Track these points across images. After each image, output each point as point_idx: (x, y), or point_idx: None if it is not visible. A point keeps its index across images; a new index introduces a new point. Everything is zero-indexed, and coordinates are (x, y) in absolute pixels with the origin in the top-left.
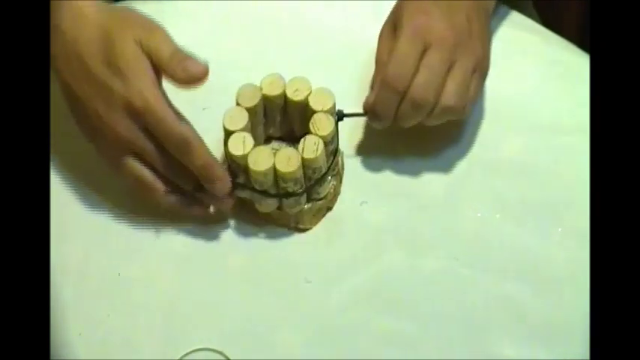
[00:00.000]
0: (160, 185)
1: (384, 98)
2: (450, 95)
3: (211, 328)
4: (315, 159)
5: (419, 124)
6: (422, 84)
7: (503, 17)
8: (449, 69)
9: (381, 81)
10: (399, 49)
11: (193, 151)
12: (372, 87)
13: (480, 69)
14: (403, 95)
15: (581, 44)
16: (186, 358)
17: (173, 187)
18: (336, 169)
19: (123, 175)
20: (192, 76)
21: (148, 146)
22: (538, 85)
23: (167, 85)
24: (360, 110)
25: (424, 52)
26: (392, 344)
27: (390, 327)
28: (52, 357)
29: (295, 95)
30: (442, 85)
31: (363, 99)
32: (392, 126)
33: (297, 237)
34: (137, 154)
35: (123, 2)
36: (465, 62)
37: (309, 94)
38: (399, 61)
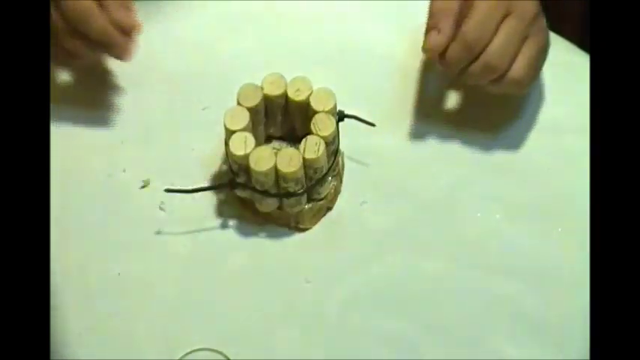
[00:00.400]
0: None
1: (458, 54)
2: (519, 68)
3: (211, 328)
4: (317, 159)
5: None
6: (498, 50)
7: None
8: (523, 41)
9: (459, 38)
10: (481, 7)
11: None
12: (429, 27)
13: (547, 49)
14: (477, 56)
15: (581, 44)
16: (186, 358)
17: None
18: (337, 170)
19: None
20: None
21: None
22: (538, 85)
23: (167, 84)
24: (360, 111)
25: (504, 17)
26: (392, 344)
27: (389, 327)
28: (52, 357)
29: (296, 95)
30: (516, 55)
31: (363, 99)
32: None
33: (297, 237)
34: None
35: None
36: (538, 39)
37: (310, 94)
38: (481, 21)
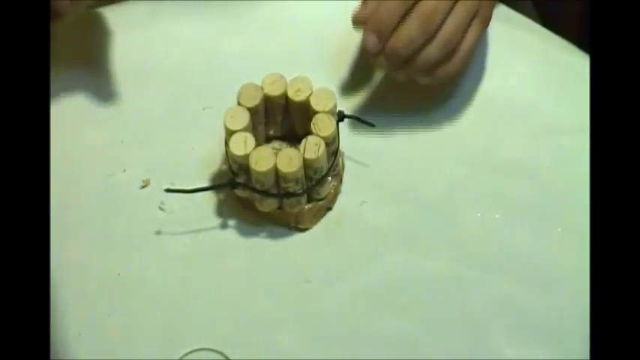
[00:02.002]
0: None
1: (391, 6)
2: (449, 27)
3: (211, 328)
4: (317, 159)
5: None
6: (431, 5)
7: (502, 17)
8: (472, 18)
9: (415, 17)
10: None
11: None
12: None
13: (481, 15)
14: (408, 8)
15: (581, 44)
16: (186, 358)
17: None
18: (337, 170)
19: None
20: None
21: None
22: (538, 85)
23: (167, 84)
24: (360, 112)
25: None
26: (392, 344)
27: (390, 327)
28: (52, 357)
29: (297, 95)
30: (448, 13)
31: (363, 99)
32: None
33: (297, 237)
34: None
35: (123, 2)
36: (469, 0)
37: (310, 95)
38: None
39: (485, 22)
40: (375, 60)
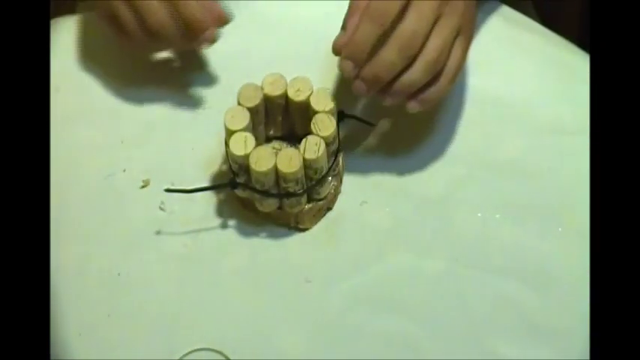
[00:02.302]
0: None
1: (365, 31)
2: (434, 49)
3: (211, 328)
4: (317, 159)
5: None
6: (410, 29)
7: (502, 17)
8: (435, 21)
9: (363, 14)
10: (417, 8)
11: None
12: (343, 28)
13: (465, 33)
14: (385, 34)
15: (581, 44)
16: (186, 358)
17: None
18: (337, 170)
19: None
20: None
21: None
22: (538, 85)
23: (167, 84)
24: (360, 112)
25: (437, 18)
26: (392, 344)
27: (390, 327)
28: (52, 357)
29: (297, 95)
30: (428, 35)
31: (362, 99)
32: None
33: (297, 237)
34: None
35: None
36: (451, 19)
37: (310, 95)
38: (416, 24)
39: (469, 40)
40: (353, 86)
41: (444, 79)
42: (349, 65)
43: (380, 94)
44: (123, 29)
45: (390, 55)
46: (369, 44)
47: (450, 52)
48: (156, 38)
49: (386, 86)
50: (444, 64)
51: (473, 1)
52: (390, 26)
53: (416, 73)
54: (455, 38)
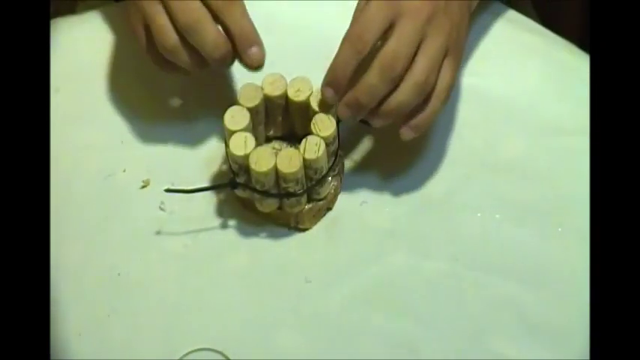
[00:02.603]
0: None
1: (343, 57)
2: (421, 70)
3: (211, 328)
4: (317, 159)
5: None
6: (390, 51)
7: (503, 17)
8: (420, 43)
9: (343, 39)
10: (366, 10)
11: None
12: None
13: (453, 53)
14: (365, 60)
15: (581, 44)
16: (186, 358)
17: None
18: (337, 170)
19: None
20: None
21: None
22: (538, 85)
23: (168, 84)
24: None
25: (394, 20)
26: (392, 344)
27: (390, 327)
28: (51, 357)
29: (297, 95)
30: (412, 57)
31: None
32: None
33: (297, 237)
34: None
35: (124, 2)
36: (437, 40)
37: (310, 95)
38: (363, 20)
39: (458, 60)
40: (337, 111)
41: (435, 100)
42: (329, 92)
43: (369, 117)
44: (160, 49)
45: (370, 78)
46: (348, 70)
47: (439, 72)
48: (204, 61)
49: (375, 108)
50: (434, 85)
51: (462, 20)
52: (373, 50)
53: (403, 95)
54: (443, 58)
